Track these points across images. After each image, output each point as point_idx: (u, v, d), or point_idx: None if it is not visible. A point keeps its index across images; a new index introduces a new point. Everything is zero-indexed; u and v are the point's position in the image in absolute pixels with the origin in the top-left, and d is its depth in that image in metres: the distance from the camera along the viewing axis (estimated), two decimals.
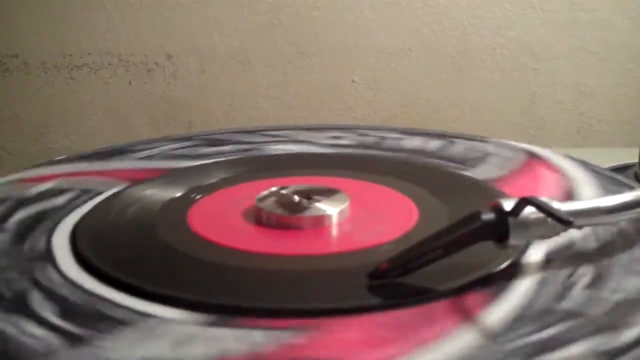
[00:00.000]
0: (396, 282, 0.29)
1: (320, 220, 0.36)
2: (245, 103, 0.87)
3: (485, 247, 0.30)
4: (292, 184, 0.39)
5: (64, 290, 0.29)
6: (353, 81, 0.87)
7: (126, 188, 0.42)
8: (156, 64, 0.86)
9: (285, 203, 0.37)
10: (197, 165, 0.47)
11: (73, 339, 0.25)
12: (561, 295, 0.28)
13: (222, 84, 0.87)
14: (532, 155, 0.48)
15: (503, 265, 0.30)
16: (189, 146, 0.51)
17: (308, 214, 0.36)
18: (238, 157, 0.49)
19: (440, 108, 0.87)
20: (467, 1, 0.85)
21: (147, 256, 0.33)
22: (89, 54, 0.86)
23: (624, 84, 0.86)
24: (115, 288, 0.29)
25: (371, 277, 0.29)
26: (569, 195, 0.40)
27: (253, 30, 0.86)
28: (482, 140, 0.52)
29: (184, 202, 0.40)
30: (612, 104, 0.87)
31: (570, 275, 0.30)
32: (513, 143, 0.51)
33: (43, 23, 0.85)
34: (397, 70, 0.87)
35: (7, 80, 0.86)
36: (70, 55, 0.86)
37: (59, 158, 0.48)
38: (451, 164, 0.47)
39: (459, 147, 0.51)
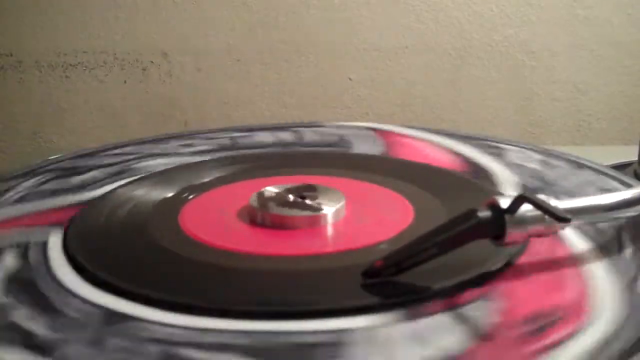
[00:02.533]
0: (391, 280, 0.28)
1: (316, 220, 0.35)
2: (240, 101, 0.87)
3: (482, 245, 0.29)
4: (287, 183, 0.39)
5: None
6: (350, 79, 0.86)
7: (116, 189, 0.41)
8: (151, 62, 0.86)
9: (279, 202, 0.36)
10: (189, 164, 0.46)
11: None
12: None
13: (217, 82, 0.86)
14: (378, 130, 0.54)
15: (500, 264, 0.30)
16: (53, 177, 0.45)
17: (303, 213, 0.35)
18: (230, 155, 0.49)
19: (438, 106, 0.87)
20: None
21: (137, 258, 0.33)
22: (83, 52, 0.85)
23: (622, 81, 0.86)
24: (106, 291, 0.29)
25: (365, 275, 0.29)
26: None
27: (248, 28, 0.85)
28: (320, 125, 0.56)
29: (176, 202, 0.39)
30: (610, 101, 0.87)
31: None
32: (351, 124, 0.56)
33: (37, 22, 0.84)
34: (394, 68, 0.86)
35: (2, 79, 0.85)
36: (65, 54, 0.85)
37: None
38: (330, 148, 0.50)
39: (311, 135, 0.53)
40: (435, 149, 0.49)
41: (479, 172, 0.44)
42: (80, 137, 0.87)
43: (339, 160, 0.47)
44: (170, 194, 0.41)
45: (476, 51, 0.85)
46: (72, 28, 0.85)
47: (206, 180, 0.43)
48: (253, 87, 0.86)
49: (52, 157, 0.48)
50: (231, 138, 0.53)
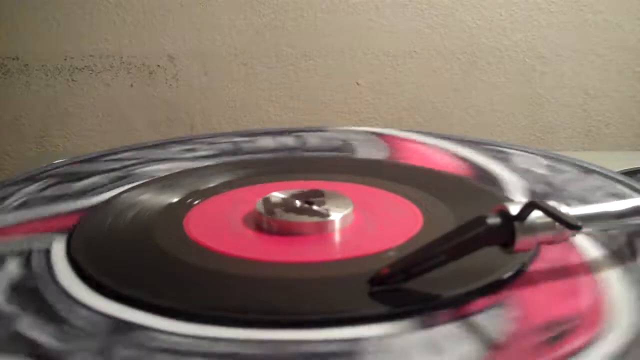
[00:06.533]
0: (403, 288, 0.28)
1: (323, 226, 0.35)
2: (247, 105, 0.87)
3: (495, 252, 0.29)
4: (294, 189, 0.38)
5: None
6: (357, 84, 0.86)
7: (120, 194, 0.41)
8: (158, 66, 0.85)
9: (286, 208, 0.36)
10: (195, 169, 0.46)
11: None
12: None
13: (224, 86, 0.86)
14: (382, 135, 0.54)
15: (512, 271, 0.30)
16: (55, 183, 0.44)
17: (311, 219, 0.35)
18: (236, 160, 0.48)
19: (446, 111, 0.86)
20: (473, 3, 0.84)
21: (143, 265, 0.32)
22: (90, 56, 0.85)
23: (632, 86, 0.85)
24: (112, 299, 0.28)
25: (372, 283, 0.28)
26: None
27: (255, 32, 0.85)
28: (323, 130, 0.56)
29: (181, 208, 0.39)
30: (621, 106, 0.86)
31: None
32: (354, 128, 0.56)
33: (44, 25, 0.84)
34: (402, 72, 0.86)
35: (8, 82, 0.85)
36: (72, 58, 0.85)
37: None
38: (334, 153, 0.50)
39: (314, 140, 0.53)
40: (441, 154, 0.49)
41: (486, 178, 0.43)
42: (87, 140, 0.86)
43: (345, 166, 0.47)
44: (175, 200, 0.40)
45: (485, 56, 0.85)
46: (79, 31, 0.84)
47: (211, 185, 0.43)
48: (260, 91, 0.86)
49: (53, 163, 0.48)
50: (234, 143, 0.52)
